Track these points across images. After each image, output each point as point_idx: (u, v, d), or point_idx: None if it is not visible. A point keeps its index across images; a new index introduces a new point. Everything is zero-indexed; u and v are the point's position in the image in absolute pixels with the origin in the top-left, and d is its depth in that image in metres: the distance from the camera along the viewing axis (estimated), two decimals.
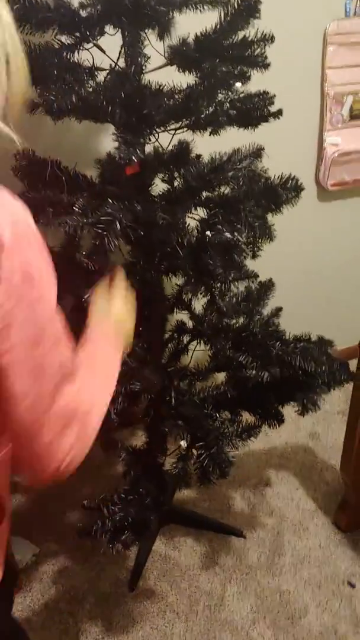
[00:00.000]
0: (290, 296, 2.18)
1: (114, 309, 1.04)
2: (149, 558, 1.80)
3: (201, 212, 1.34)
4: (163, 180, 1.42)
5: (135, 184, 1.29)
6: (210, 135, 1.30)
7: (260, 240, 1.31)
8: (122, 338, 0.98)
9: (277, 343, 1.38)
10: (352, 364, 1.63)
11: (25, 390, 0.69)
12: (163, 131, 1.32)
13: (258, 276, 1.54)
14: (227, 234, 1.21)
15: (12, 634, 1.08)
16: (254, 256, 1.32)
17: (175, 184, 1.41)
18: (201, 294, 1.32)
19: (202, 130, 1.27)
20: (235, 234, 1.22)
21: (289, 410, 1.58)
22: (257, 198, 1.31)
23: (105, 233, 1.10)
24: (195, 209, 1.31)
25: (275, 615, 1.64)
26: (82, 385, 0.77)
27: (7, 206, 0.66)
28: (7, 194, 0.67)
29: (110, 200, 1.17)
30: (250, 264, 1.48)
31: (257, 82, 1.33)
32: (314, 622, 1.62)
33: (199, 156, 1.45)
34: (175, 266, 1.27)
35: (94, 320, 0.97)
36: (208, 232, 1.22)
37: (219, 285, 1.30)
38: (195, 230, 1.30)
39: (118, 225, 1.12)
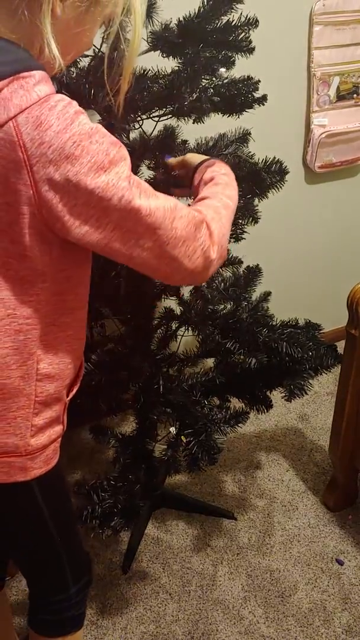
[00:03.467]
0: (279, 279, 2.19)
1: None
2: (142, 541, 1.83)
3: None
4: (149, 168, 1.41)
5: None
6: (194, 123, 1.29)
7: (243, 222, 1.30)
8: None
9: (264, 329, 1.38)
10: (341, 345, 1.64)
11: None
12: (147, 118, 1.31)
13: (242, 262, 1.54)
14: None
15: None
16: (237, 239, 1.32)
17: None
18: None
19: (186, 118, 1.26)
20: None
21: (279, 393, 1.60)
22: (241, 183, 1.30)
23: None
24: None
25: (266, 594, 1.67)
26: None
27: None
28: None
29: None
30: (238, 247, 1.47)
31: (243, 64, 1.32)
32: (304, 599, 1.66)
33: (185, 142, 1.44)
34: None
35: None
36: None
37: None
38: None
39: None
